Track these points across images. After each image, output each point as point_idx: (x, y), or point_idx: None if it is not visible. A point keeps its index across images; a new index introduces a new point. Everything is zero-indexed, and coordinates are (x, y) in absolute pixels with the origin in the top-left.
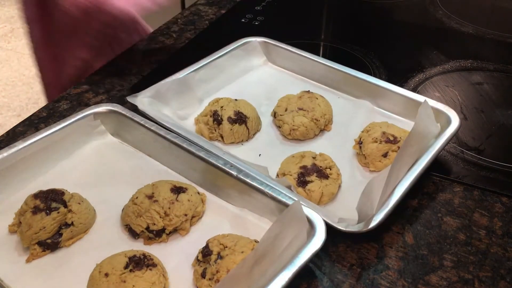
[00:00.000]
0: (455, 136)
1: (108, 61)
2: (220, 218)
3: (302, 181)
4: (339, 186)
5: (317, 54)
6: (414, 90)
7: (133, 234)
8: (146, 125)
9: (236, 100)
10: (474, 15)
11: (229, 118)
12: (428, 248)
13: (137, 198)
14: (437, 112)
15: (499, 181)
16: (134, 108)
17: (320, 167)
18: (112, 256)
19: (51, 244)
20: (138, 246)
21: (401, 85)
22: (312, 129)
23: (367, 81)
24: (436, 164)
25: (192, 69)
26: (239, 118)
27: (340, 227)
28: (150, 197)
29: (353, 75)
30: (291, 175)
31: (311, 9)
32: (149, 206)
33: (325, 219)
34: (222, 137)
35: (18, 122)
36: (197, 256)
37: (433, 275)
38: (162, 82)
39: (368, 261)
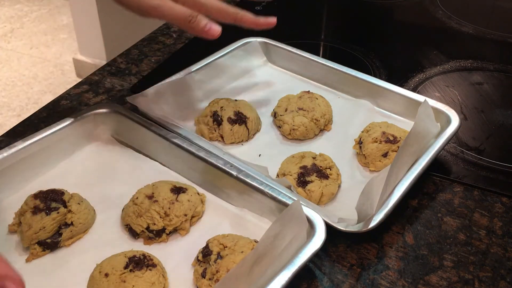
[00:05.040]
0: (455, 136)
1: (108, 61)
2: (220, 218)
3: (302, 181)
4: (339, 186)
5: (317, 54)
6: (414, 90)
7: (133, 234)
8: (146, 125)
9: (236, 100)
10: (474, 15)
11: (229, 119)
12: (428, 248)
13: (137, 198)
14: (437, 112)
15: (499, 181)
16: (134, 108)
17: (320, 167)
18: (112, 256)
19: (51, 244)
20: (138, 246)
21: (401, 85)
22: (312, 129)
23: (367, 81)
24: (436, 164)
25: (192, 70)
26: (239, 119)
27: (340, 227)
28: (150, 197)
29: (353, 75)
30: (291, 175)
31: (311, 9)
32: (149, 206)
33: (325, 219)
34: (222, 138)
35: (18, 122)
36: (197, 256)
37: (433, 275)
38: (162, 82)
39: (368, 261)
